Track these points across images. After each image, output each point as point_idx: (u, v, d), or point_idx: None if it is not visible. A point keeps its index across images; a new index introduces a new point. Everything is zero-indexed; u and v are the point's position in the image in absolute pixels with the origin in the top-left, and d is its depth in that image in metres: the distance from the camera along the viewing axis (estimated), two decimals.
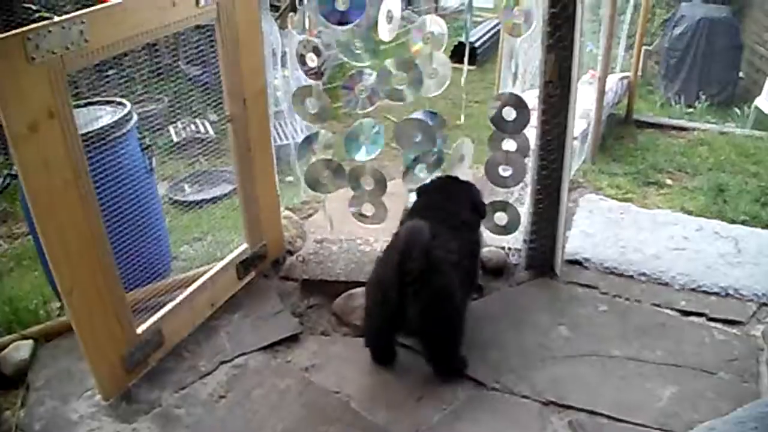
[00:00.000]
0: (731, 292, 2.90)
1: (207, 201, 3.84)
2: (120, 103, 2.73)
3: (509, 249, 3.19)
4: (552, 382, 2.42)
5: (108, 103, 2.74)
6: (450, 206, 2.63)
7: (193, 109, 4.22)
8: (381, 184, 3.01)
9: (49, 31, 1.84)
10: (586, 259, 3.11)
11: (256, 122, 2.70)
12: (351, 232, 3.27)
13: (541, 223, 2.98)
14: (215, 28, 2.41)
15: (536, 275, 3.04)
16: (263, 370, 2.50)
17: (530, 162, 2.96)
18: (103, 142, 2.47)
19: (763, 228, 3.45)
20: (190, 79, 4.79)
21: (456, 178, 2.84)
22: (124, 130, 2.64)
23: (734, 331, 2.70)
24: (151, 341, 2.46)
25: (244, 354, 2.57)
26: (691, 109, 6.65)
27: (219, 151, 3.58)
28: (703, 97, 6.73)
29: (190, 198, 4.01)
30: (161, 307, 2.52)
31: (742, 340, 2.64)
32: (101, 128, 2.51)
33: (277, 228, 3.08)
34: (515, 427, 2.24)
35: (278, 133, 4.85)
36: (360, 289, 2.86)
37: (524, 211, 3.13)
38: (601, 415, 2.28)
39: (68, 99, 1.97)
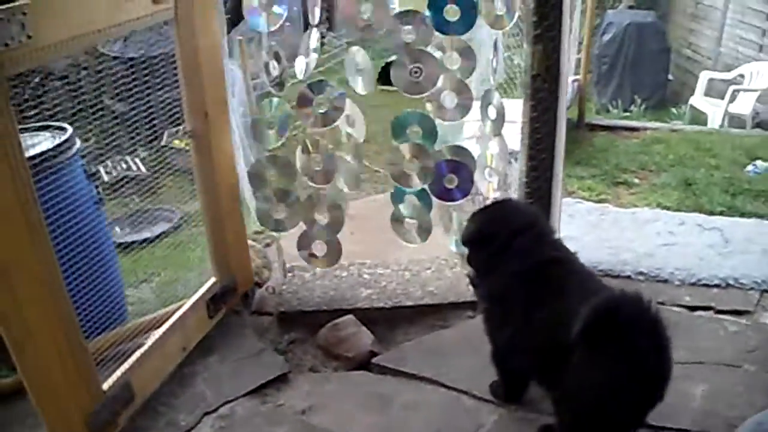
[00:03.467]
0: (731, 282, 2.89)
1: (145, 241, 3.56)
2: (60, 128, 2.44)
3: None
4: None
5: (45, 128, 2.44)
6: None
7: (124, 146, 3.97)
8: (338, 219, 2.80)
9: None
10: None
11: (219, 139, 2.48)
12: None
13: None
14: (172, 29, 2.19)
15: None
16: (254, 418, 2.24)
17: (516, 163, 2.87)
18: (44, 169, 2.18)
19: (741, 216, 3.52)
20: (116, 117, 4.52)
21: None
22: (67, 156, 2.36)
23: (744, 321, 2.68)
24: (119, 397, 2.15)
25: (228, 402, 2.30)
26: (627, 113, 6.89)
27: (153, 188, 3.34)
28: (639, 100, 7.00)
29: (128, 239, 3.70)
30: (127, 357, 2.22)
31: (755, 329, 2.62)
32: (41, 153, 2.22)
33: (246, 258, 2.84)
34: None
35: None
36: (346, 318, 2.67)
37: None
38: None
39: (8, 107, 1.69)
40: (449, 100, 2.64)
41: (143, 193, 3.36)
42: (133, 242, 3.44)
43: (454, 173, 2.75)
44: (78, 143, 2.46)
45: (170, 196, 3.39)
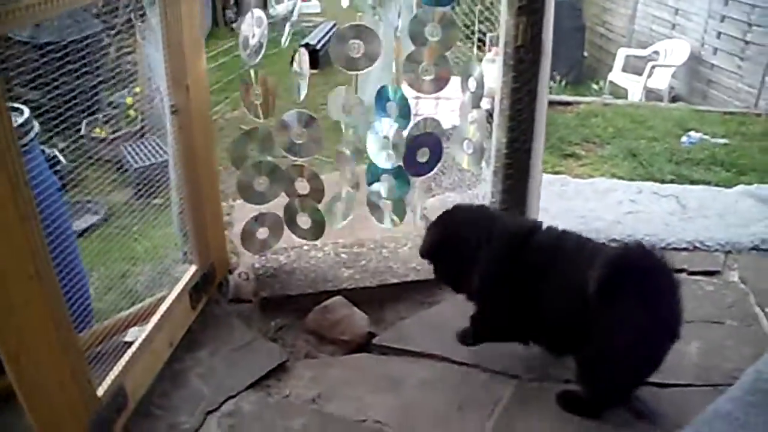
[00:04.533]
0: (698, 245, 3.04)
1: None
2: (15, 109, 2.20)
3: None
4: None
5: None
6: None
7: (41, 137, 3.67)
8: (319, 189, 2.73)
9: None
10: None
11: (199, 113, 2.32)
12: (288, 238, 2.94)
13: (510, 201, 2.90)
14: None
15: None
16: (263, 412, 2.13)
17: (493, 137, 2.88)
18: None
19: (691, 184, 3.72)
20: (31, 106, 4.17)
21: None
22: (27, 140, 2.13)
23: (716, 280, 2.83)
24: (114, 403, 1.98)
25: (231, 397, 2.17)
26: (549, 88, 7.12)
27: (75, 179, 3.11)
28: (558, 76, 7.25)
29: None
30: (117, 358, 2.05)
31: (727, 287, 2.77)
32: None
33: (222, 242, 2.70)
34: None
35: (139, 154, 4.35)
36: (335, 299, 2.60)
37: (484, 191, 3.05)
38: (646, 383, 2.24)
39: None
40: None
41: (65, 185, 3.13)
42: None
43: (426, 146, 2.72)
44: (36, 126, 2.22)
45: (94, 188, 3.16)
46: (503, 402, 2.15)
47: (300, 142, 2.60)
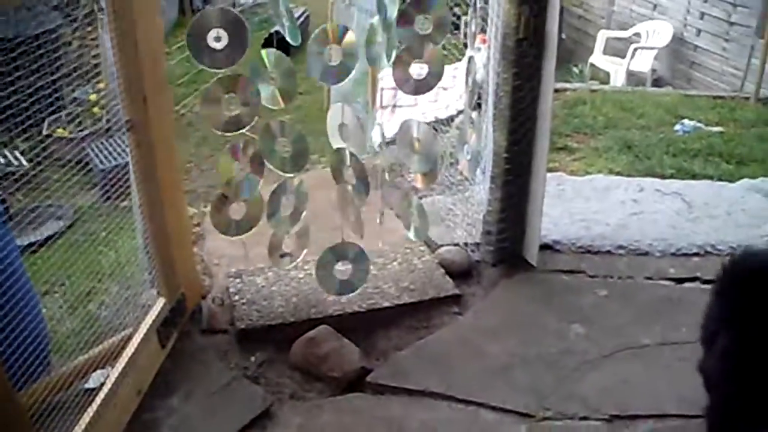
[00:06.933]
0: (709, 249, 2.89)
1: (34, 244, 3.03)
2: None
3: (466, 245, 2.89)
4: (602, 392, 2.15)
5: None
6: None
7: None
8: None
9: None
10: (557, 242, 2.92)
11: (160, 128, 2.06)
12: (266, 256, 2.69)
13: (510, 208, 2.71)
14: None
15: (510, 270, 2.77)
16: None
17: (490, 139, 2.67)
18: None
19: (692, 179, 3.57)
20: None
21: None
22: None
23: None
24: None
25: None
26: None
27: (37, 183, 2.84)
28: None
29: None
30: (78, 411, 1.80)
31: None
32: None
33: (192, 266, 2.46)
34: None
35: (102, 155, 4.08)
36: (321, 329, 2.37)
37: (479, 197, 2.86)
38: (673, 416, 2.07)
39: None
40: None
41: (25, 189, 2.86)
42: (20, 248, 2.93)
43: None
44: None
45: (58, 191, 2.91)
46: None
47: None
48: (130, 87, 1.91)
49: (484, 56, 4.20)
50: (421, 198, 3.25)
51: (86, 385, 2.03)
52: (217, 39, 2.06)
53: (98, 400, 1.85)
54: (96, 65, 3.36)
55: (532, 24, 2.35)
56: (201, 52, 2.04)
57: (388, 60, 2.31)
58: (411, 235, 2.70)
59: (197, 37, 2.03)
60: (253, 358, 2.35)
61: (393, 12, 2.24)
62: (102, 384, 1.94)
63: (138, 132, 1.96)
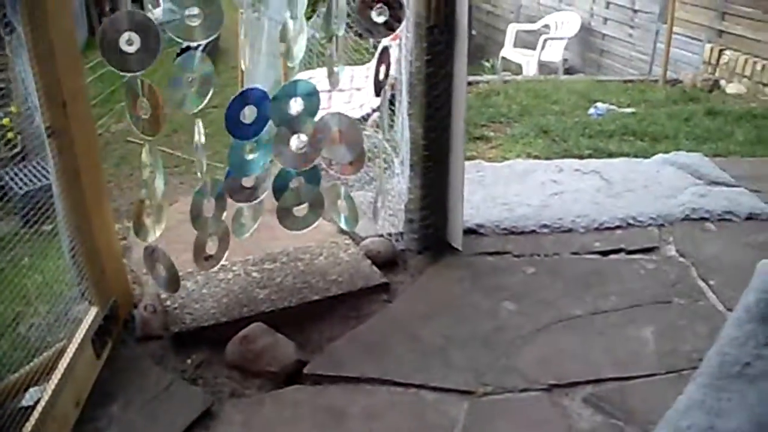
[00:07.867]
0: (630, 221, 3.00)
1: None
2: None
3: (390, 235, 2.90)
4: (539, 363, 2.19)
5: None
6: None
7: None
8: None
9: None
10: (480, 225, 2.96)
11: (81, 133, 1.98)
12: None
13: (431, 195, 2.73)
14: None
15: (435, 256, 2.79)
16: None
17: (406, 125, 2.69)
18: None
19: (609, 157, 3.70)
20: None
21: None
22: None
23: (654, 257, 2.79)
24: None
25: None
26: None
27: None
28: None
29: None
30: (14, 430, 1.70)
31: (668, 263, 2.73)
32: None
33: (123, 274, 2.38)
34: (539, 426, 1.97)
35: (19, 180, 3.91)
36: (254, 327, 2.32)
37: (399, 187, 2.87)
38: (609, 380, 2.12)
39: None
40: None
41: None
42: None
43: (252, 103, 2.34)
44: None
45: None
46: (460, 425, 1.96)
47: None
48: (48, 93, 1.83)
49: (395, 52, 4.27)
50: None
51: (21, 403, 1.93)
52: (129, 42, 2.00)
53: (36, 414, 1.76)
54: (2, 89, 3.22)
55: (442, 11, 2.38)
56: (113, 55, 1.97)
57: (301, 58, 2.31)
58: (342, 224, 2.69)
59: (110, 41, 1.96)
60: (189, 361, 2.29)
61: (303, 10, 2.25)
62: (38, 400, 1.85)
63: (59, 137, 1.88)
